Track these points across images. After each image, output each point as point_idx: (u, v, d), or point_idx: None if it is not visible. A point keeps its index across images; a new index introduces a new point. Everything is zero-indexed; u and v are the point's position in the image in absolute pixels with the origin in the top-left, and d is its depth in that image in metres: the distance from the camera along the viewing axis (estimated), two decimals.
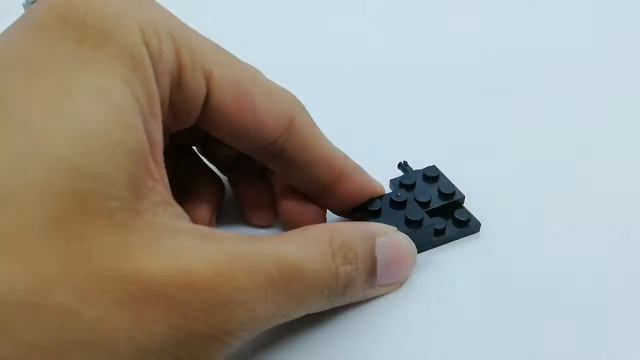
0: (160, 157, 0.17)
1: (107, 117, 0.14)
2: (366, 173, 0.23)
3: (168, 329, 0.14)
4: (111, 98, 0.15)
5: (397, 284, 0.21)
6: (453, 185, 0.25)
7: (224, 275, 0.15)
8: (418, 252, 0.22)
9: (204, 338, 0.14)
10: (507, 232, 0.24)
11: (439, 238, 0.23)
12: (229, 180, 0.26)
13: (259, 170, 0.25)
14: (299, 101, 0.21)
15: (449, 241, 0.24)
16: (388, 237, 0.20)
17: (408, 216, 0.22)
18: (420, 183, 0.25)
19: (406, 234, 0.21)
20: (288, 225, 0.24)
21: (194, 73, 0.18)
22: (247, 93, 0.19)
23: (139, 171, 0.15)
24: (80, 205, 0.13)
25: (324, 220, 0.24)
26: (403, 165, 0.26)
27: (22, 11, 0.39)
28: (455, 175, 0.26)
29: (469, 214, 0.24)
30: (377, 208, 0.23)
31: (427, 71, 0.37)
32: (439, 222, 0.23)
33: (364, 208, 0.23)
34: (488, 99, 0.34)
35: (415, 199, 0.24)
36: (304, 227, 0.19)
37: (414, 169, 0.26)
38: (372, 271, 0.20)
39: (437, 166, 0.26)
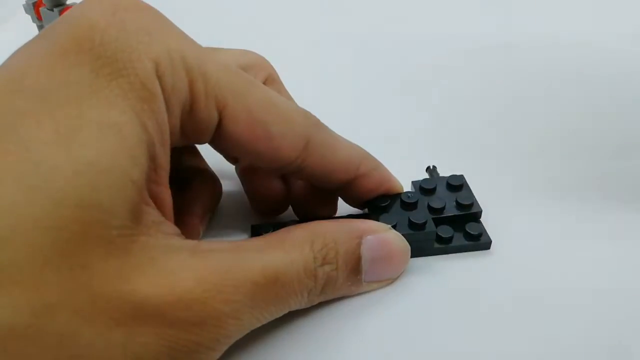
0: (166, 181, 0.18)
1: (116, 150, 0.15)
2: (385, 170, 0.23)
3: (162, 341, 0.15)
4: (121, 131, 0.15)
5: (387, 281, 0.21)
6: (473, 197, 0.24)
7: (212, 290, 0.16)
8: (417, 256, 0.22)
9: (196, 347, 0.15)
10: (519, 256, 0.23)
11: (444, 247, 0.23)
12: (236, 169, 0.25)
13: None
14: (314, 119, 0.21)
15: (456, 252, 0.23)
16: (376, 235, 0.20)
17: (411, 218, 0.22)
18: (441, 189, 0.24)
19: (405, 234, 0.21)
20: (299, 210, 0.24)
21: (206, 103, 0.18)
22: (262, 121, 0.19)
23: (139, 199, 0.16)
24: (83, 235, 0.14)
25: (336, 206, 0.24)
26: (430, 170, 0.26)
27: (22, 11, 0.39)
28: (489, 190, 0.25)
29: (482, 228, 0.23)
30: (384, 204, 0.22)
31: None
32: (444, 230, 0.23)
33: (373, 203, 0.22)
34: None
35: (428, 204, 0.23)
36: (289, 229, 0.19)
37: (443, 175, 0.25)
38: (355, 269, 0.20)
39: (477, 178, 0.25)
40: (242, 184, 0.25)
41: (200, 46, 0.18)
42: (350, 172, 0.21)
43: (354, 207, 0.24)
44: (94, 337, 0.14)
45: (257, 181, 0.24)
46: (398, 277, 0.22)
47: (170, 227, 0.17)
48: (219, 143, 0.20)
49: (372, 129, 0.31)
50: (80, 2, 0.17)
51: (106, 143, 0.15)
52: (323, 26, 0.45)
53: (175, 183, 0.23)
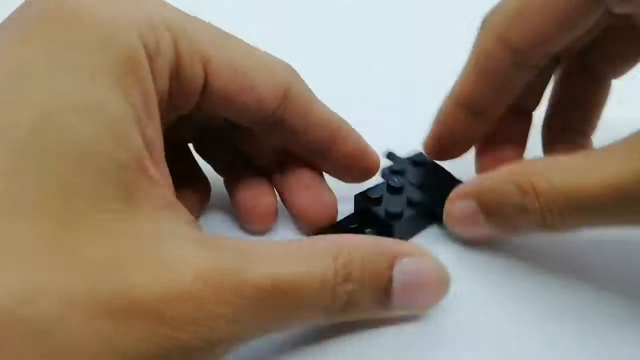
0: (160, 156, 0.17)
1: (99, 132, 0.14)
2: (361, 138, 0.23)
3: (153, 338, 0.14)
4: (104, 110, 0.15)
5: (420, 308, 0.20)
6: (444, 169, 0.25)
7: (210, 289, 0.15)
8: (419, 231, 0.23)
9: (189, 348, 0.14)
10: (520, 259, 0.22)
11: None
12: (225, 181, 0.25)
13: (257, 171, 0.24)
14: (293, 70, 0.21)
15: None
16: (414, 258, 0.18)
17: (409, 197, 0.23)
18: (410, 169, 0.25)
19: (411, 216, 0.22)
20: (298, 220, 0.24)
21: (191, 61, 0.18)
22: (244, 72, 0.19)
23: (134, 180, 0.15)
24: (71, 221, 0.14)
25: (336, 212, 0.23)
26: (391, 155, 0.26)
27: None
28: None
29: None
30: (378, 196, 0.23)
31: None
32: (436, 201, 0.23)
33: (365, 195, 0.23)
34: None
35: (410, 182, 0.24)
36: (315, 238, 0.18)
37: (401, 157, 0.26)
38: (384, 292, 0.18)
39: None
40: (230, 195, 0.24)
41: (176, 7, 0.19)
42: (329, 128, 0.22)
43: (335, 177, 0.24)
44: (79, 326, 0.13)
45: (245, 189, 0.23)
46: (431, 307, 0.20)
47: (182, 213, 0.16)
48: (205, 102, 0.19)
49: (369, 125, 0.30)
50: None
51: (87, 126, 0.14)
52: (322, 21, 0.45)
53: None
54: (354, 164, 0.23)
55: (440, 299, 0.19)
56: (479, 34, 0.22)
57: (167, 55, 0.17)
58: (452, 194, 0.22)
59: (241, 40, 0.20)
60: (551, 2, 0.19)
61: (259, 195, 0.23)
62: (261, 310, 0.16)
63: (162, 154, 0.17)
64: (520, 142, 0.25)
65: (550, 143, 0.25)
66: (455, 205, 0.21)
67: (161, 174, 0.17)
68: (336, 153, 0.22)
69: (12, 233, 0.13)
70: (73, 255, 0.13)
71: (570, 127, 0.25)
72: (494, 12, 0.21)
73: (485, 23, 0.22)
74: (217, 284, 0.15)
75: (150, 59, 0.16)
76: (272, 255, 0.16)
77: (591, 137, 0.25)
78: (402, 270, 0.18)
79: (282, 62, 0.21)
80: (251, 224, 0.23)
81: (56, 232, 0.13)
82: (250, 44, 0.21)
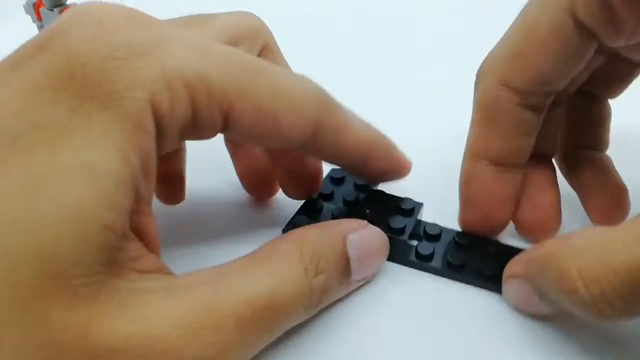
0: (149, 209, 0.17)
1: (85, 195, 0.14)
2: (393, 151, 0.22)
3: None
4: (94, 172, 0.14)
5: (370, 277, 0.21)
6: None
7: (189, 335, 0.15)
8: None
9: None
10: None
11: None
12: (225, 141, 0.25)
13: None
14: (324, 100, 0.19)
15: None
16: (358, 232, 0.20)
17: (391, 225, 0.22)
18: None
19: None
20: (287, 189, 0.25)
21: (209, 112, 0.17)
22: (269, 113, 0.18)
23: (114, 241, 0.15)
24: (44, 290, 0.13)
25: (319, 184, 0.24)
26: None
27: (22, 12, 0.39)
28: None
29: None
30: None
31: None
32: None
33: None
34: None
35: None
36: (274, 244, 0.18)
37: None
38: (346, 271, 0.20)
39: None
40: (230, 156, 0.25)
41: (198, 46, 0.17)
42: (359, 155, 0.21)
43: (362, 182, 0.24)
44: None
45: (244, 155, 0.25)
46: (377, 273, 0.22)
47: (150, 261, 0.16)
48: (226, 135, 0.19)
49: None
50: (58, 21, 0.16)
51: (75, 189, 0.14)
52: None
53: None
54: (385, 176, 0.23)
55: (383, 262, 0.22)
56: (478, 84, 0.22)
57: (182, 113, 0.16)
58: (506, 270, 0.20)
59: (270, 74, 0.18)
60: (548, 42, 0.20)
61: (259, 165, 0.24)
62: (246, 336, 0.16)
63: (150, 204, 0.17)
64: (552, 188, 0.24)
65: (571, 165, 0.25)
66: (508, 285, 0.20)
67: (147, 224, 0.16)
68: (368, 170, 0.22)
69: None
70: (44, 327, 0.13)
71: (584, 146, 0.25)
72: (489, 61, 0.22)
73: (482, 73, 0.22)
74: (196, 327, 0.15)
75: (160, 119, 0.16)
76: (241, 275, 0.17)
77: (606, 151, 0.26)
78: (353, 246, 0.19)
79: (314, 93, 0.19)
80: (251, 186, 0.25)
81: (27, 301, 0.13)
82: (279, 71, 0.19)
